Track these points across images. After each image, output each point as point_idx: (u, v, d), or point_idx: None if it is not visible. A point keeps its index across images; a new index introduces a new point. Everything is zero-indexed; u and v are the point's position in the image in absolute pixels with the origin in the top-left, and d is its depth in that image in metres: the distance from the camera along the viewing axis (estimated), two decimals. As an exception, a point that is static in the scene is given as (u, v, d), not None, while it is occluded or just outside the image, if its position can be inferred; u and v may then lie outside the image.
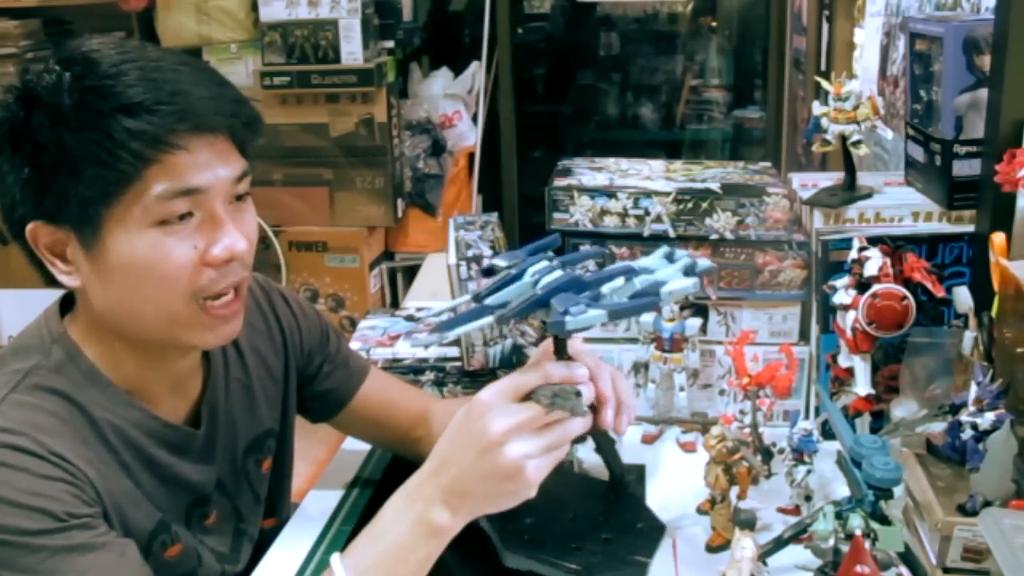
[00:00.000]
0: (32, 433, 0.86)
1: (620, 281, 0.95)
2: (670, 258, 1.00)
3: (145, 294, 0.90)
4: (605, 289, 0.94)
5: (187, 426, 1.02)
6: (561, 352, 0.98)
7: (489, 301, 0.95)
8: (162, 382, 1.00)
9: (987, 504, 0.93)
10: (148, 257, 0.88)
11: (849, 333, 1.18)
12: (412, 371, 1.46)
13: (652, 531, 1.07)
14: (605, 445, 1.08)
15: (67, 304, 0.99)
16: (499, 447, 0.87)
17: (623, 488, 1.12)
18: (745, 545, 0.89)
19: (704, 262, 1.00)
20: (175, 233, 0.88)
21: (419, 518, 0.89)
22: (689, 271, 0.97)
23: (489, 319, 0.92)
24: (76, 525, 0.84)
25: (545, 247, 1.02)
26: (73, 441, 0.89)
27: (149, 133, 0.85)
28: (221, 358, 1.09)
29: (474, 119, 3.35)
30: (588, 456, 1.17)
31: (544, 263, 0.97)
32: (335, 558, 0.89)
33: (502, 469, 0.87)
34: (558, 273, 0.94)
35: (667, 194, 1.33)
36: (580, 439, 1.04)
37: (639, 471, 1.17)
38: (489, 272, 0.99)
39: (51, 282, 0.95)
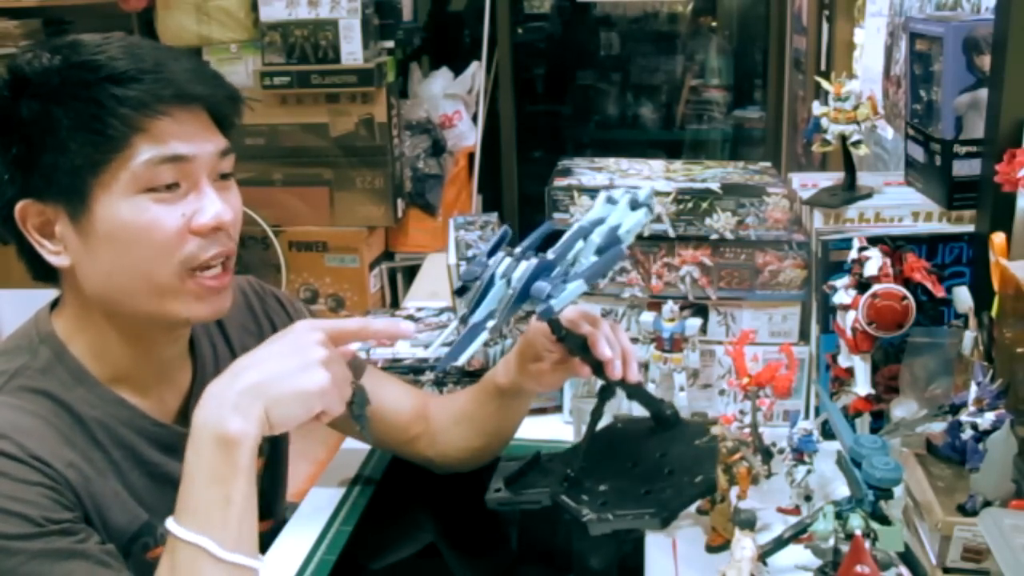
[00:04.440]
0: (14, 436, 0.86)
1: (580, 244, 0.97)
2: (612, 201, 1.02)
3: (133, 262, 0.91)
4: (570, 257, 0.96)
5: (176, 424, 1.02)
6: (557, 330, 1.02)
7: (475, 318, 0.95)
8: (150, 371, 1.00)
9: (987, 504, 0.93)
10: (135, 223, 0.90)
11: (849, 333, 1.18)
12: (412, 371, 1.46)
13: (706, 448, 1.08)
14: (633, 389, 1.10)
15: (58, 304, 0.99)
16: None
17: (665, 419, 1.14)
18: (745, 545, 0.89)
19: (645, 190, 1.02)
20: (162, 201, 0.91)
21: (215, 437, 0.85)
22: (635, 204, 1.00)
23: (485, 335, 0.94)
24: (55, 531, 0.84)
25: (499, 243, 1.02)
26: (57, 443, 0.89)
27: (136, 99, 0.89)
28: (211, 356, 1.09)
29: (474, 119, 3.34)
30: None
31: (507, 260, 0.98)
32: (170, 521, 0.86)
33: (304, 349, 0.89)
34: (523, 265, 0.96)
35: (667, 194, 1.33)
36: (610, 395, 1.09)
37: (671, 405, 1.19)
38: (462, 291, 1.00)
39: (39, 275, 0.96)
